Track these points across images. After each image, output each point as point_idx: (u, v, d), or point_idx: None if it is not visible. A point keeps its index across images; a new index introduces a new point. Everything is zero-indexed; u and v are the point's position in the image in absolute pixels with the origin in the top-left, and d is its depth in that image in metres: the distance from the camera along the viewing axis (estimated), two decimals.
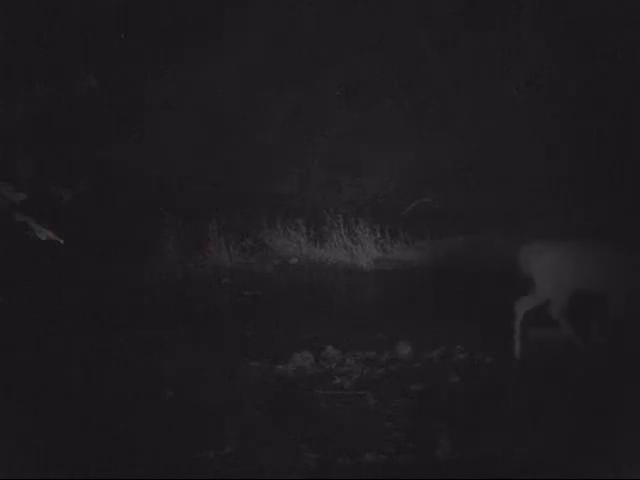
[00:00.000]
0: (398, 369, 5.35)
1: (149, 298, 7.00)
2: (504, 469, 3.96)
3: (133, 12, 10.03)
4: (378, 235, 8.73)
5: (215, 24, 10.86)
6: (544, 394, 4.79)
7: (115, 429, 4.44)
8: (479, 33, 10.87)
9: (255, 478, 4.02)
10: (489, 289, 6.87)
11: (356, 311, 6.76)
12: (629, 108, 9.03)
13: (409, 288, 7.28)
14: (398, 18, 10.92)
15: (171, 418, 4.61)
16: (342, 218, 8.94)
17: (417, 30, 10.89)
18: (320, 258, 8.63)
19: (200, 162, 10.23)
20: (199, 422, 4.56)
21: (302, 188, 10.61)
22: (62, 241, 4.21)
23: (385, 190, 10.38)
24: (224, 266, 8.33)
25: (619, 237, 7.60)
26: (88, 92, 5.71)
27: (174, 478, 3.99)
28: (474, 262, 7.98)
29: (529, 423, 4.42)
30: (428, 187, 9.96)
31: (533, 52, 10.87)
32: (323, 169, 10.74)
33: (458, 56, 10.91)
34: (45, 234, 4.11)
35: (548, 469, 3.94)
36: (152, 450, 4.20)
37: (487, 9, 10.81)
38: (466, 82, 10.84)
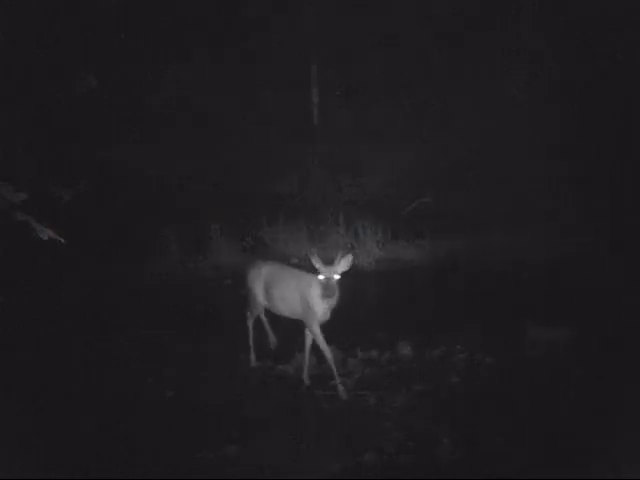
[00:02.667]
0: (398, 369, 5.35)
1: (149, 298, 6.99)
2: (504, 469, 3.97)
3: (133, 12, 10.05)
4: (379, 235, 8.73)
5: (215, 24, 10.88)
6: (544, 394, 4.79)
7: (115, 429, 4.44)
8: (479, 33, 10.89)
9: (255, 478, 4.03)
10: (489, 289, 6.89)
11: (356, 311, 6.75)
12: (629, 108, 9.04)
13: (409, 288, 7.28)
14: (398, 18, 10.94)
15: (171, 418, 4.61)
16: (342, 218, 8.94)
17: (417, 30, 10.90)
18: (321, 258, 8.61)
19: (200, 162, 10.25)
20: (199, 422, 4.56)
21: (302, 188, 10.62)
22: (63, 240, 4.20)
23: (385, 190, 10.39)
24: (224, 266, 8.32)
25: (619, 237, 7.66)
26: (88, 92, 5.70)
27: (174, 478, 3.99)
28: (474, 262, 8.00)
29: (529, 423, 4.42)
30: (428, 187, 9.97)
31: (533, 52, 10.89)
32: (323, 169, 10.76)
33: (458, 56, 10.93)
34: (46, 233, 4.10)
35: (548, 469, 3.94)
36: (152, 450, 4.21)
37: (487, 9, 10.84)
38: (466, 82, 10.86)
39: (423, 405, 4.75)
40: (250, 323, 5.49)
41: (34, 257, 5.89)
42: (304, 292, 4.92)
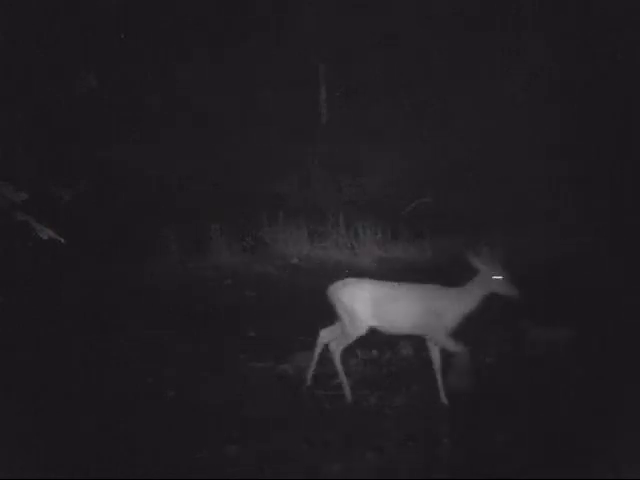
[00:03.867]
0: (399, 369, 5.34)
1: (149, 298, 6.98)
2: (504, 469, 3.97)
3: (133, 12, 10.05)
4: (379, 235, 8.72)
5: (215, 24, 10.89)
6: (544, 394, 4.79)
7: (115, 429, 4.43)
8: (479, 33, 10.89)
9: (255, 478, 4.02)
10: None
11: None
12: (629, 108, 9.03)
13: None
14: (398, 18, 10.95)
15: (171, 418, 4.61)
16: (342, 218, 8.93)
17: (417, 30, 10.91)
18: (321, 258, 8.62)
19: (200, 162, 10.25)
20: (199, 422, 4.56)
21: (302, 188, 10.62)
22: (63, 240, 4.20)
23: (385, 190, 10.39)
24: (225, 266, 8.32)
25: (619, 237, 7.65)
26: (88, 92, 5.71)
27: (174, 478, 3.99)
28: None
29: (529, 423, 4.42)
30: (428, 187, 9.97)
31: (533, 52, 10.90)
32: (323, 169, 10.76)
33: (458, 56, 10.94)
34: (46, 233, 4.11)
35: (548, 469, 3.94)
36: (152, 450, 4.20)
37: (487, 9, 10.85)
38: (466, 82, 10.86)
39: (423, 405, 4.75)
40: (324, 349, 5.03)
41: (34, 257, 5.88)
42: (430, 304, 4.85)
